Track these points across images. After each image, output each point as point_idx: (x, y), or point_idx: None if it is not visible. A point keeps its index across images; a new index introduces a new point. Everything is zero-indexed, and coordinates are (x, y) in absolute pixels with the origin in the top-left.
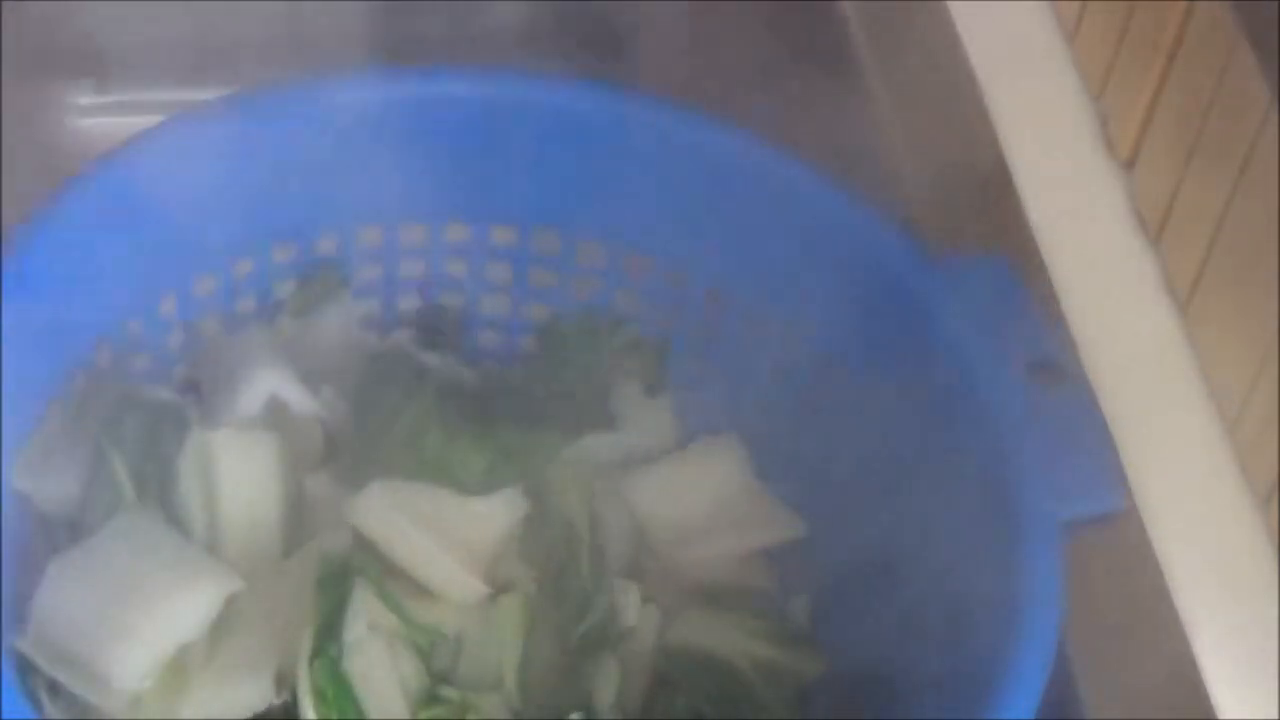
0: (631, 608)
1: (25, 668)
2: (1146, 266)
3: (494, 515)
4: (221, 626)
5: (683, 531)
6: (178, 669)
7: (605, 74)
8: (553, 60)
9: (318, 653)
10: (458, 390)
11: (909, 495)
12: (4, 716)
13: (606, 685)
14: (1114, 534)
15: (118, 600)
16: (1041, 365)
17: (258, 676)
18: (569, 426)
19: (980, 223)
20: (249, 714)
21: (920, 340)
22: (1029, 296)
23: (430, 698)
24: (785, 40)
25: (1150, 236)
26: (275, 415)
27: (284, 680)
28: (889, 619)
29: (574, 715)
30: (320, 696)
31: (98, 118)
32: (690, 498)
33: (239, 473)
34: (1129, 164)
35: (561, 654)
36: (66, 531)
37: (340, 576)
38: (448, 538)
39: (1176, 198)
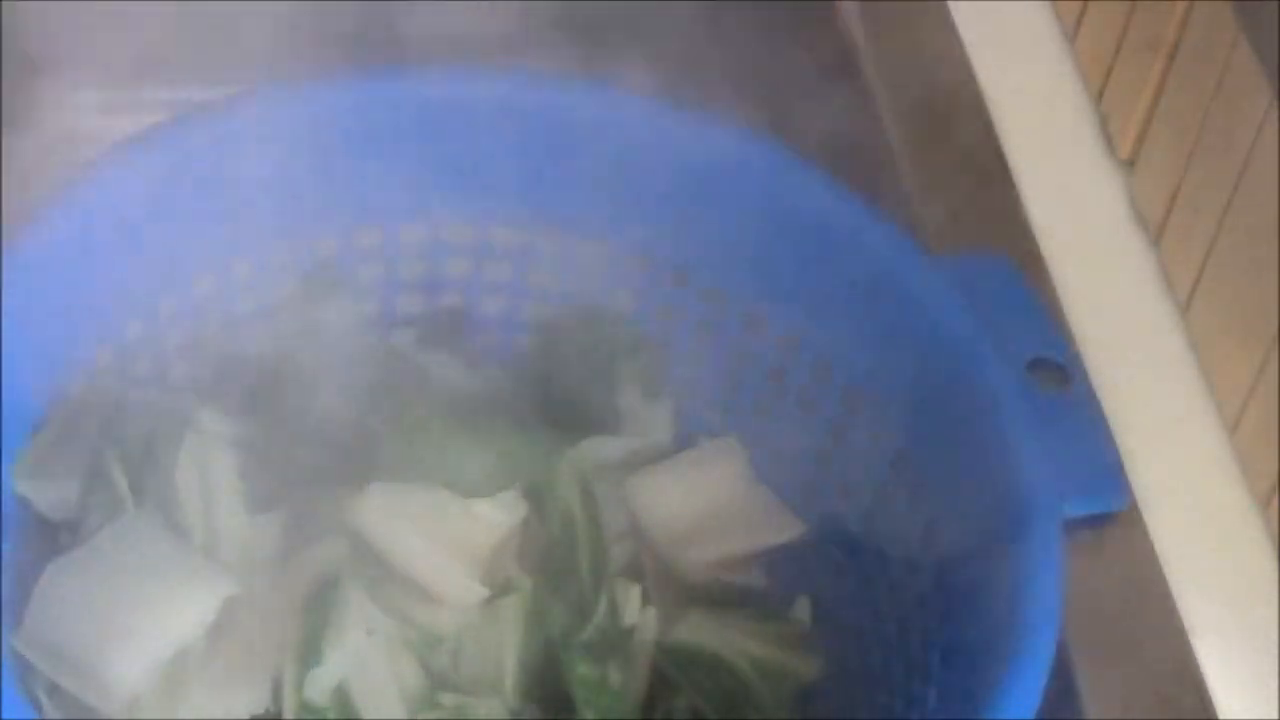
0: (631, 608)
1: (24, 669)
2: (1146, 266)
3: (494, 517)
4: (219, 630)
5: (683, 532)
6: (176, 672)
7: (606, 74)
8: (552, 60)
9: (305, 664)
10: (458, 391)
11: (909, 495)
12: (4, 717)
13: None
14: (1114, 534)
15: (116, 603)
16: (1042, 364)
17: (255, 680)
18: (569, 427)
19: (980, 222)
20: (246, 716)
21: (920, 340)
22: (1029, 296)
23: (429, 701)
24: (785, 40)
25: (1150, 236)
26: (274, 417)
27: (281, 683)
28: (889, 618)
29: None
30: (308, 709)
31: (98, 118)
32: (690, 498)
33: (237, 475)
34: (1129, 164)
35: (561, 656)
36: (65, 534)
37: (332, 586)
38: (447, 540)
39: (1176, 198)
